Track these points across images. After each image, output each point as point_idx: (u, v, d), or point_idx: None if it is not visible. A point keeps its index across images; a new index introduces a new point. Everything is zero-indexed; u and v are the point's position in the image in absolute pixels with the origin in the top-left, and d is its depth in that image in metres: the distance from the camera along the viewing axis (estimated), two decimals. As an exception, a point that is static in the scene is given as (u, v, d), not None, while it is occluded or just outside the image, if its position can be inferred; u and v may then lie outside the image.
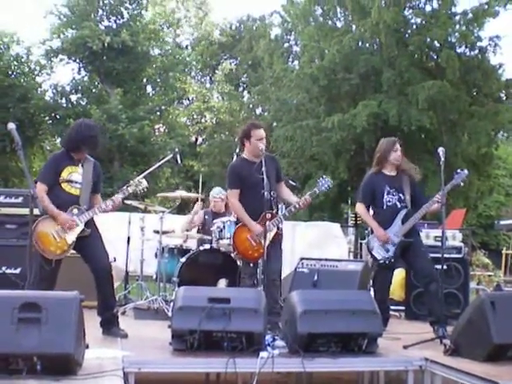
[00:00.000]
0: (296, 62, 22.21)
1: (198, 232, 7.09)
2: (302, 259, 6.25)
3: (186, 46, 29.93)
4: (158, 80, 24.32)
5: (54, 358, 3.04)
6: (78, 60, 22.65)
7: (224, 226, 5.86)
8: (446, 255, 4.99)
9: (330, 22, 19.42)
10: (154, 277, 6.55)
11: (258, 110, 26.60)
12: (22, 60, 21.98)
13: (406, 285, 6.36)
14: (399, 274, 6.37)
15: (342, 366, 3.89)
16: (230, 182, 5.13)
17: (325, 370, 3.94)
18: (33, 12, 46.39)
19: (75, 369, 3.15)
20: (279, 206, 5.21)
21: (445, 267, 4.92)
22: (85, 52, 21.57)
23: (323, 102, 18.44)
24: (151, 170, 6.99)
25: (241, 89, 30.01)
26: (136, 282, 6.67)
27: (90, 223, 4.48)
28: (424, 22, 17.69)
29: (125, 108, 20.88)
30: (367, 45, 18.39)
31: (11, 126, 3.98)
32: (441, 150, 4.89)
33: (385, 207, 5.15)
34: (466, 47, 17.63)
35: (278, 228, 4.97)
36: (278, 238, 5.00)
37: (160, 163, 7.56)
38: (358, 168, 17.24)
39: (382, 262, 5.12)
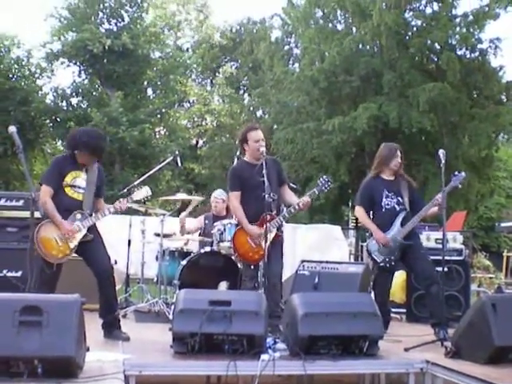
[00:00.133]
0: (296, 65, 22.23)
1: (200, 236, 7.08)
2: (302, 262, 6.26)
3: (187, 49, 29.98)
4: (159, 83, 24.29)
5: (54, 361, 3.04)
6: (78, 63, 22.65)
7: (225, 229, 5.84)
8: (446, 257, 5.01)
9: (330, 25, 19.43)
10: (155, 279, 6.54)
11: (259, 113, 26.63)
12: (23, 63, 21.96)
13: (407, 287, 6.35)
14: (400, 277, 6.36)
15: (343, 368, 3.88)
16: (230, 184, 5.13)
17: (326, 373, 3.93)
18: (33, 15, 46.64)
19: (76, 372, 3.15)
20: (281, 208, 5.17)
21: (446, 269, 4.91)
22: (85, 55, 21.57)
23: (324, 105, 18.45)
24: (151, 173, 7.00)
25: (241, 91, 30.04)
26: (137, 285, 6.67)
27: (92, 227, 4.49)
28: (425, 25, 17.72)
29: (125, 111, 20.86)
30: (368, 47, 18.40)
31: (12, 129, 3.99)
32: (441, 153, 4.89)
33: (383, 210, 5.14)
34: (467, 49, 17.65)
35: (278, 230, 4.96)
36: (278, 240, 4.99)
37: (159, 166, 7.57)
38: (359, 170, 17.24)
39: (382, 264, 5.10)
